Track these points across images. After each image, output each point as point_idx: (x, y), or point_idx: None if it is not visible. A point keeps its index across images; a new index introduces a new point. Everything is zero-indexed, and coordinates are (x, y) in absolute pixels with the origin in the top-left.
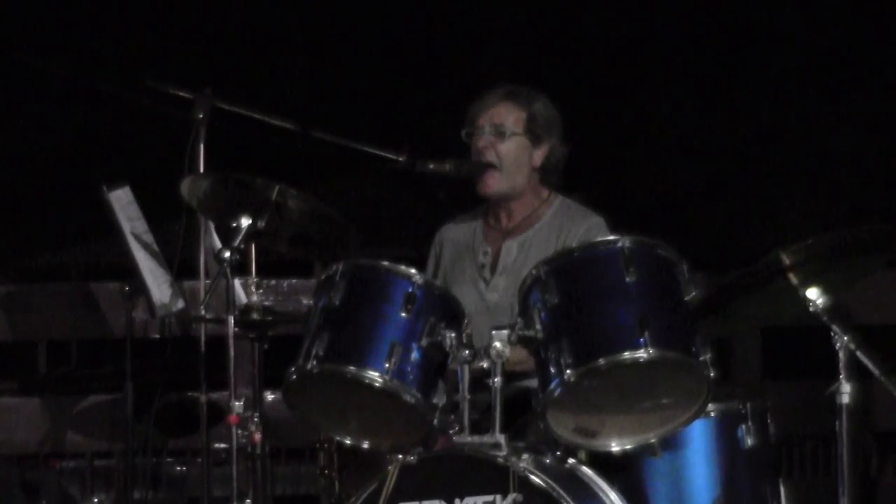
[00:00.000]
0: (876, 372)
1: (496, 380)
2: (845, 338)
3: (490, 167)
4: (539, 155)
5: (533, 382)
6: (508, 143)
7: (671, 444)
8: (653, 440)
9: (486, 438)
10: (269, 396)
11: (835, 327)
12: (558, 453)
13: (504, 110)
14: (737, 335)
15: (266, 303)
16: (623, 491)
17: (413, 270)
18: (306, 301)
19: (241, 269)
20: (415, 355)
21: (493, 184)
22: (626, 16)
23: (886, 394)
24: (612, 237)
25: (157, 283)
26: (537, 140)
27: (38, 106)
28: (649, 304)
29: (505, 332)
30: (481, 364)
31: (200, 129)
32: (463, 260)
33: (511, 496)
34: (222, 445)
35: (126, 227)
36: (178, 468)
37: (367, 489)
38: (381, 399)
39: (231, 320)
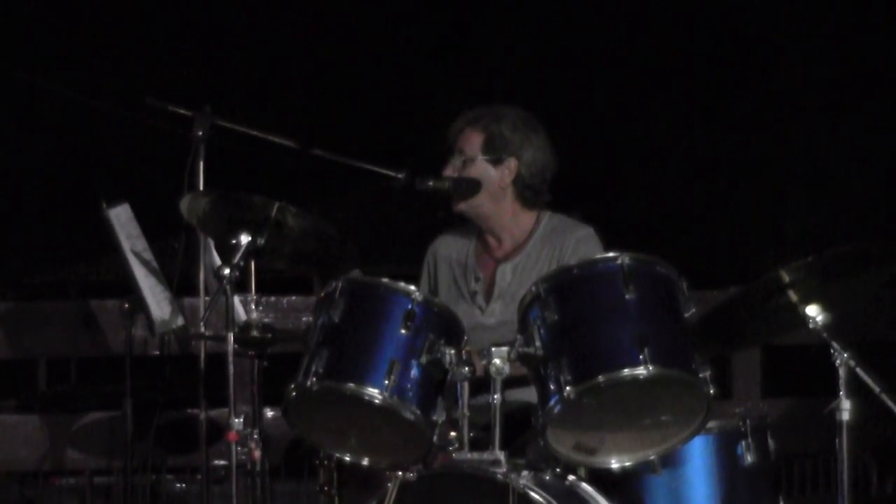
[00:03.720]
0: (876, 389)
1: (496, 397)
2: (845, 355)
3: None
4: (503, 174)
5: (531, 393)
6: (470, 168)
7: (671, 461)
8: (652, 457)
9: (486, 455)
10: (269, 413)
11: (834, 344)
12: (558, 470)
13: (465, 136)
14: (737, 352)
15: (265, 320)
16: None
17: (412, 287)
18: (306, 318)
19: (240, 286)
20: (414, 372)
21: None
22: (625, 34)
23: (886, 411)
24: (611, 254)
25: (157, 301)
26: (497, 160)
27: (38, 124)
28: (649, 322)
29: (504, 349)
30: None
31: (200, 146)
32: (458, 279)
33: None
34: (222, 462)
35: (126, 245)
36: (178, 485)
37: None
38: (380, 416)
39: (230, 337)
